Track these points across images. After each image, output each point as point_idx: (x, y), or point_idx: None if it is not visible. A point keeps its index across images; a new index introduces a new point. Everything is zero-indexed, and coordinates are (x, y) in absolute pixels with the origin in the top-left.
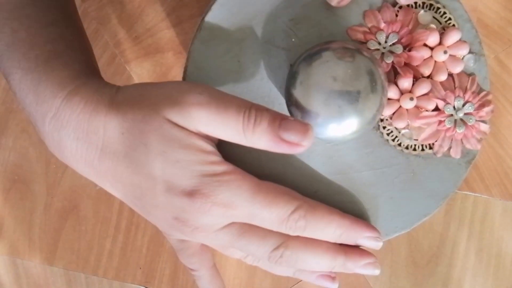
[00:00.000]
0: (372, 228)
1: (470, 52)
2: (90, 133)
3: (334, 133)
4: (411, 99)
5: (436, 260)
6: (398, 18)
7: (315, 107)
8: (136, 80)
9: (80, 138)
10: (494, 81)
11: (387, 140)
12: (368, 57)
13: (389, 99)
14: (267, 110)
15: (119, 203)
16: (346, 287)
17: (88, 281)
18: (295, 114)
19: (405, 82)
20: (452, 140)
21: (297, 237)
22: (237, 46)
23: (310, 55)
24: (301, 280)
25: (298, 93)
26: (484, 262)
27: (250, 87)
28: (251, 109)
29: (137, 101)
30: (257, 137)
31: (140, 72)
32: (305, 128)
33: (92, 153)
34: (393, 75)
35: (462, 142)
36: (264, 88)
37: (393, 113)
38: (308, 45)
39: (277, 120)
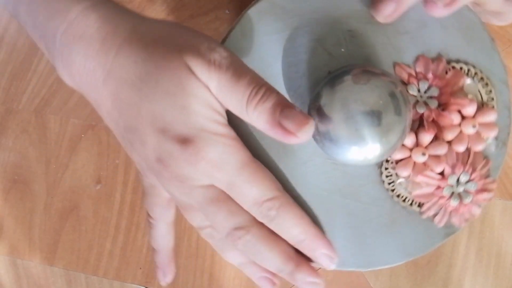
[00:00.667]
0: (333, 248)
1: (496, 137)
2: (101, 52)
3: (356, 156)
4: (423, 154)
5: (436, 260)
6: (447, 76)
7: (337, 129)
8: None
9: (89, 56)
10: None
11: (383, 181)
12: (394, 83)
13: (402, 145)
14: (277, 93)
15: (119, 203)
16: (346, 286)
17: (88, 281)
18: (316, 136)
19: (425, 137)
20: (442, 208)
21: (262, 226)
22: (288, 31)
23: (335, 77)
24: None
25: (320, 114)
26: (484, 262)
27: (282, 75)
28: (262, 86)
29: (162, 38)
30: (256, 115)
31: None
32: (304, 120)
33: (98, 74)
34: (417, 125)
35: (450, 214)
36: (295, 82)
37: (401, 160)
38: (353, 61)
39: (280, 105)
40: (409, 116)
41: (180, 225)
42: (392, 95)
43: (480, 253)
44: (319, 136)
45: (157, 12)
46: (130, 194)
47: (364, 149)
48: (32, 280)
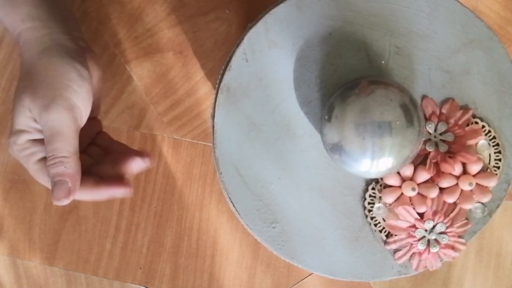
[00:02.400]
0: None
1: (485, 204)
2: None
3: (368, 169)
4: (413, 189)
5: None
6: (467, 128)
7: (349, 141)
8: (136, 80)
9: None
10: None
11: (365, 198)
12: (407, 96)
13: (398, 173)
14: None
15: (119, 203)
16: (346, 286)
17: (88, 281)
18: (329, 148)
19: (422, 175)
20: (407, 247)
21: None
22: (330, 28)
23: (347, 89)
24: (301, 280)
25: (332, 126)
26: (484, 262)
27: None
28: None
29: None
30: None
31: (140, 72)
32: (61, 194)
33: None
34: (419, 161)
35: (412, 256)
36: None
37: (390, 186)
38: (390, 76)
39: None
40: (422, 130)
41: (180, 225)
42: (405, 108)
43: (480, 253)
44: (331, 148)
45: (157, 12)
46: None
47: (376, 162)
48: (32, 280)
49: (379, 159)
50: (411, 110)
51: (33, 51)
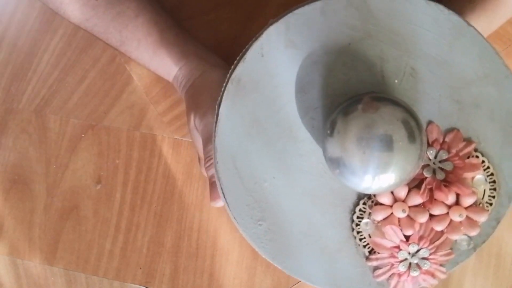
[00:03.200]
0: None
1: (472, 238)
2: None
3: (370, 185)
4: (404, 211)
5: None
6: (467, 160)
7: (351, 157)
8: (136, 80)
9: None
10: None
11: (355, 212)
12: (409, 112)
13: (391, 192)
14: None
15: (119, 203)
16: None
17: (88, 281)
18: (331, 163)
19: (415, 198)
20: (388, 266)
21: None
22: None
23: (349, 105)
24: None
25: (334, 142)
26: (484, 262)
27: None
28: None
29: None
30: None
31: (140, 72)
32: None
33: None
34: (415, 184)
35: (391, 276)
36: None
37: (381, 204)
38: (401, 96)
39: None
40: (423, 152)
41: (180, 225)
42: (406, 124)
43: (480, 253)
44: (333, 163)
45: None
46: (130, 194)
47: (378, 178)
48: (32, 280)
49: (380, 175)
50: (414, 129)
51: (192, 79)
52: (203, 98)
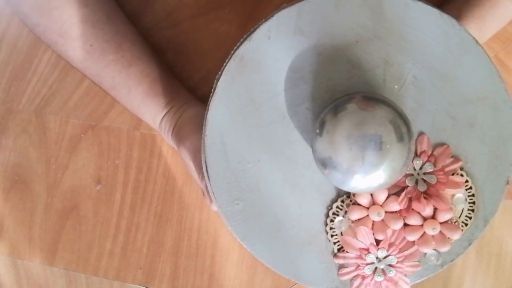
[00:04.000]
0: None
1: (441, 254)
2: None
3: (359, 184)
4: (379, 215)
5: None
6: (451, 177)
7: (340, 156)
8: None
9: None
10: None
11: (331, 208)
12: (396, 109)
13: (371, 195)
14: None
15: (119, 203)
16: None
17: (89, 281)
18: (320, 163)
19: (394, 205)
20: (354, 267)
21: None
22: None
23: (338, 104)
24: None
25: (324, 141)
26: (484, 261)
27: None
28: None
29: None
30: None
31: None
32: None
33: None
34: (396, 191)
35: (355, 277)
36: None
37: (359, 204)
38: (398, 102)
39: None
40: (412, 144)
41: (180, 225)
42: (395, 123)
43: (480, 253)
44: (322, 163)
45: (157, 12)
46: (130, 194)
47: (367, 177)
48: (32, 280)
49: (370, 174)
50: (400, 125)
51: (175, 121)
52: (186, 129)
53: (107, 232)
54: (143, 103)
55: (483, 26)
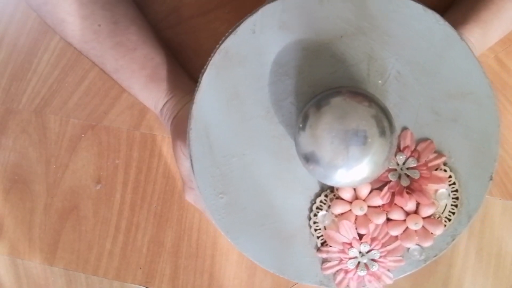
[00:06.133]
0: None
1: (424, 249)
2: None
3: (343, 178)
4: (361, 209)
5: (436, 260)
6: (434, 172)
7: (323, 150)
8: None
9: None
10: (493, 80)
11: (315, 202)
12: (378, 103)
13: (354, 189)
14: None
15: (119, 203)
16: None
17: (88, 281)
18: (303, 157)
19: (376, 199)
20: (337, 261)
21: None
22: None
23: (321, 98)
24: None
25: (306, 135)
26: (484, 262)
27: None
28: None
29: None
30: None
31: None
32: None
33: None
34: (379, 186)
35: (338, 271)
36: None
37: (342, 199)
38: (381, 97)
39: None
40: (394, 139)
41: (180, 225)
42: (377, 117)
43: (480, 253)
44: (306, 158)
45: (157, 12)
46: (130, 194)
47: (350, 171)
48: (32, 280)
49: (353, 168)
50: (382, 119)
51: (176, 111)
52: (185, 125)
53: (107, 232)
54: (145, 87)
55: (488, 31)
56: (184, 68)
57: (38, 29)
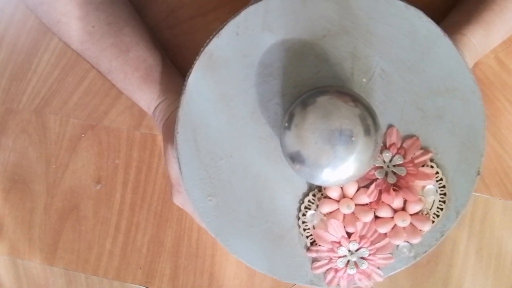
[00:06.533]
0: None
1: (413, 246)
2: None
3: (329, 177)
4: (349, 207)
5: (436, 260)
6: (421, 168)
7: (309, 149)
8: None
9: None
10: (494, 80)
11: (303, 201)
12: (362, 102)
13: (341, 188)
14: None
15: (119, 203)
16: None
17: (88, 281)
18: (289, 158)
19: (363, 197)
20: (327, 260)
21: None
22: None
23: (307, 97)
24: None
25: (292, 135)
26: (484, 262)
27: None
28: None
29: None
30: None
31: None
32: None
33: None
34: (366, 184)
35: (328, 270)
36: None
37: (329, 198)
38: (366, 96)
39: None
40: (379, 137)
41: (180, 225)
42: (362, 116)
43: (480, 253)
44: (291, 158)
45: (157, 12)
46: (130, 194)
47: (336, 170)
48: (32, 280)
49: (339, 167)
50: (367, 119)
51: (169, 113)
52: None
53: (107, 232)
54: (139, 89)
55: (491, 31)
56: (184, 69)
57: (38, 29)
